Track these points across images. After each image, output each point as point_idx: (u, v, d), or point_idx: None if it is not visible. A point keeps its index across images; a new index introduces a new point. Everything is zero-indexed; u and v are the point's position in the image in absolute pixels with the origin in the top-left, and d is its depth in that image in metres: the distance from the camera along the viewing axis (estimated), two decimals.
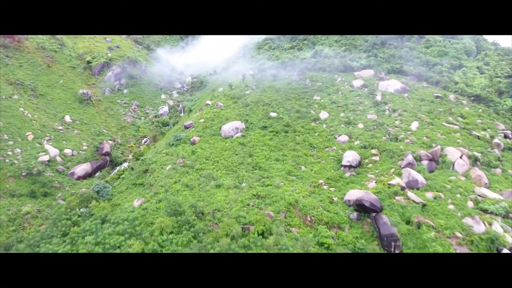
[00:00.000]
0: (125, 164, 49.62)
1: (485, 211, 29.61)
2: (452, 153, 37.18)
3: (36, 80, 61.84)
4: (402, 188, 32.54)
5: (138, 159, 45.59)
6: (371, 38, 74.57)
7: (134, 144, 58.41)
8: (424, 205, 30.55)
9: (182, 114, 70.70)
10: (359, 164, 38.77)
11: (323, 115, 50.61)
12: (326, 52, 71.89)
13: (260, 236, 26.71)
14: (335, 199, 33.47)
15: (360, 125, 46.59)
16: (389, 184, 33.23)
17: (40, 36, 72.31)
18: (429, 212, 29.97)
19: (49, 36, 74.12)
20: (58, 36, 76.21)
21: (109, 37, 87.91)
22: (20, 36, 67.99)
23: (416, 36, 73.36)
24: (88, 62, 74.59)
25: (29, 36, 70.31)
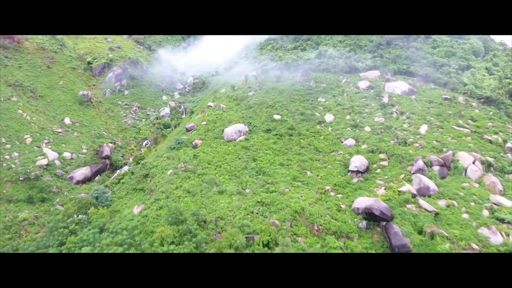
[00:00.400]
0: (125, 168, 48.47)
1: (501, 220, 28.15)
2: (464, 158, 35.70)
3: (36, 81, 60.89)
4: (413, 196, 31.13)
5: (139, 163, 44.49)
6: (376, 38, 73.10)
7: (135, 146, 57.29)
8: (436, 214, 29.14)
9: (183, 116, 69.59)
10: (367, 170, 37.39)
11: (329, 117, 49.24)
12: (331, 52, 70.49)
13: (266, 248, 25.44)
14: (343, 206, 32.11)
15: (367, 128, 45.18)
16: (399, 191, 31.83)
17: (40, 36, 71.40)
18: (442, 221, 28.56)
19: (49, 36, 73.21)
20: (59, 37, 75.31)
21: (110, 38, 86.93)
22: (19, 36, 67.10)
23: (423, 36, 71.82)
24: (89, 63, 73.61)
25: (29, 36, 69.41)
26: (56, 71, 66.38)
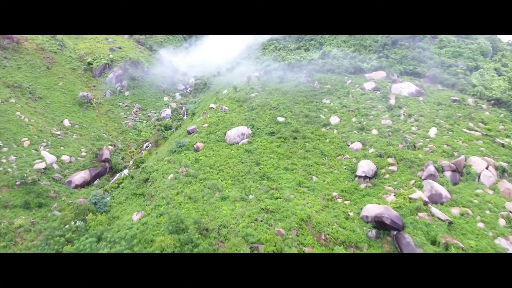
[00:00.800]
0: (125, 171, 47.35)
1: None
2: (477, 163, 34.23)
3: (35, 82, 59.91)
4: (425, 203, 29.73)
5: (139, 167, 43.29)
6: (381, 38, 71.65)
7: (135, 149, 56.14)
8: (450, 223, 27.74)
9: (185, 117, 68.44)
10: (375, 175, 35.99)
11: (334, 120, 47.86)
12: (335, 53, 69.10)
13: None
14: (351, 214, 30.74)
15: (374, 131, 43.77)
16: (410, 198, 30.44)
17: (39, 36, 70.46)
18: (456, 231, 27.16)
19: (49, 36, 72.25)
20: (59, 37, 74.34)
21: (111, 38, 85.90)
22: (19, 37, 66.18)
23: (429, 36, 70.26)
24: (89, 63, 72.58)
25: (29, 37, 68.49)
26: (56, 72, 65.38)
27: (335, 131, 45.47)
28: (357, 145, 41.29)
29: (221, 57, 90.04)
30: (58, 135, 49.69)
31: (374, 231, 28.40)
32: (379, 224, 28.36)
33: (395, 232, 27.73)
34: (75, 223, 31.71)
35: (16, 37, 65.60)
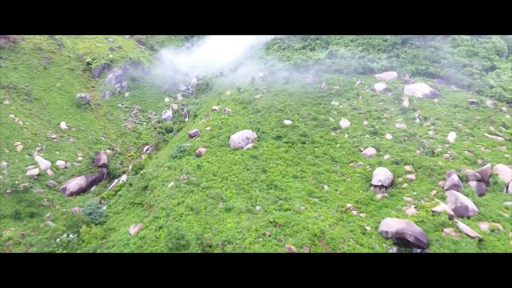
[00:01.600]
0: (124, 177, 44.93)
1: None
2: (504, 172, 31.44)
3: (31, 83, 57.69)
4: (450, 217, 26.99)
5: (137, 173, 40.84)
6: (390, 37, 68.75)
7: (135, 153, 53.72)
8: (480, 240, 24.99)
9: (186, 119, 66.00)
10: (392, 184, 33.27)
11: (344, 123, 45.15)
12: (342, 52, 66.29)
13: None
14: (368, 228, 28.06)
15: (388, 136, 41.01)
16: (433, 211, 27.71)
17: (37, 36, 68.24)
18: (488, 249, 24.40)
19: (47, 36, 70.06)
20: (58, 37, 72.09)
21: (111, 37, 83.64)
22: (16, 36, 64.03)
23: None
24: (88, 63, 70.28)
25: (26, 36, 66.30)
26: (54, 72, 63.13)
27: (346, 135, 42.76)
28: (370, 150, 38.56)
29: (224, 57, 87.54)
30: (54, 138, 47.35)
31: (395, 249, 25.71)
32: (401, 240, 25.69)
33: (418, 250, 25.02)
34: (68, 236, 29.35)
35: (13, 36, 63.41)
